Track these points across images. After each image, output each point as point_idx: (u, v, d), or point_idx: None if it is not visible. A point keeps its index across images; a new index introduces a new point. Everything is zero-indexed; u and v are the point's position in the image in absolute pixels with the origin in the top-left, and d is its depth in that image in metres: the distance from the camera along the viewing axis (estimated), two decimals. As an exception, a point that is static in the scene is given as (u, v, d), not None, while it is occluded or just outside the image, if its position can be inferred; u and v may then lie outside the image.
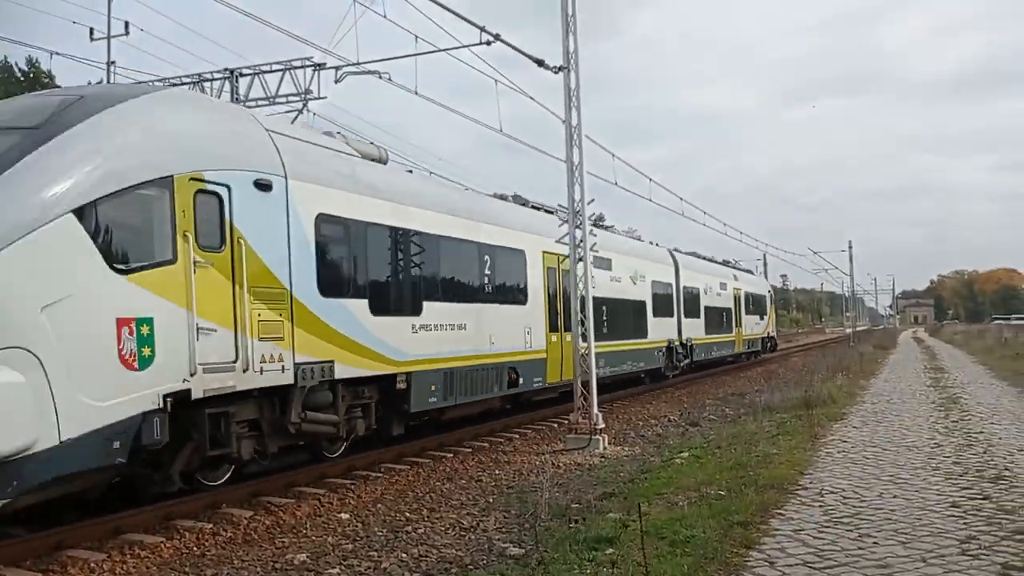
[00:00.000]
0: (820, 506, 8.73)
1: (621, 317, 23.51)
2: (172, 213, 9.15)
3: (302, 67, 23.06)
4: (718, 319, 34.89)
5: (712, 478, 10.50)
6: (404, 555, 8.52)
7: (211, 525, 9.92)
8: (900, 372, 29.12)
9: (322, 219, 11.68)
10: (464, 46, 17.30)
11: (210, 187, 9.68)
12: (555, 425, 18.82)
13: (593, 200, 16.49)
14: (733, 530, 7.65)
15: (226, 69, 24.06)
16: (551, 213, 19.32)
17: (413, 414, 14.39)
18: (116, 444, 8.37)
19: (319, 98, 23.09)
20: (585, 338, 15.84)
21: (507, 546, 8.58)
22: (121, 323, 8.41)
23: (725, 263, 42.54)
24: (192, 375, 9.20)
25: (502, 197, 20.61)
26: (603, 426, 15.64)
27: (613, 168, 26.27)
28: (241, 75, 24.04)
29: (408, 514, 10.52)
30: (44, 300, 7.73)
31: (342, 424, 12.40)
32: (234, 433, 10.28)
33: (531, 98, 19.21)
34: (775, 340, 49.03)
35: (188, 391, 9.20)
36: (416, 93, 18.47)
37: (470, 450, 15.56)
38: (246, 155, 10.44)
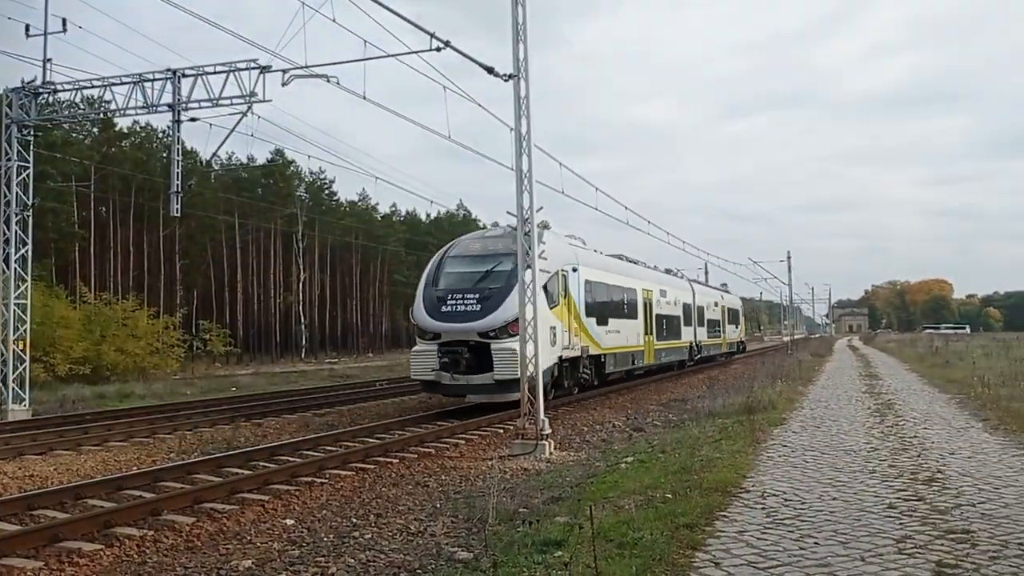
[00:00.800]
0: (763, 508, 8.91)
1: (669, 326, 36.48)
2: (558, 284, 22.83)
3: (247, 69, 22.79)
4: (714, 327, 48.17)
5: (657, 482, 10.64)
6: (351, 560, 8.47)
7: (152, 532, 9.74)
8: (837, 379, 29.80)
9: (587, 282, 25.66)
10: (413, 52, 17.32)
11: (563, 272, 23.43)
12: (500, 431, 18.88)
13: (542, 208, 16.63)
14: (679, 532, 7.76)
15: (168, 69, 23.62)
16: (644, 265, 35.85)
17: (608, 374, 27.82)
18: (552, 373, 21.81)
19: (264, 101, 22.88)
20: (530, 336, 15.90)
21: (456, 550, 8.58)
22: (551, 328, 21.48)
23: (712, 286, 56.22)
24: (564, 349, 22.83)
25: (627, 260, 33.77)
26: (549, 431, 15.70)
27: (560, 175, 26.50)
28: (184, 76, 23.64)
29: (355, 519, 10.46)
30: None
31: (592, 375, 26.09)
32: (568, 372, 23.91)
33: (480, 105, 19.31)
34: (744, 343, 64.19)
35: (562, 356, 22.81)
36: (364, 97, 18.41)
37: (416, 456, 15.52)
38: (570, 259, 24.46)
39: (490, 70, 16.30)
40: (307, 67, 18.14)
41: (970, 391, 21.83)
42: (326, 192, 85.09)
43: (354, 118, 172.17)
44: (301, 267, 74.52)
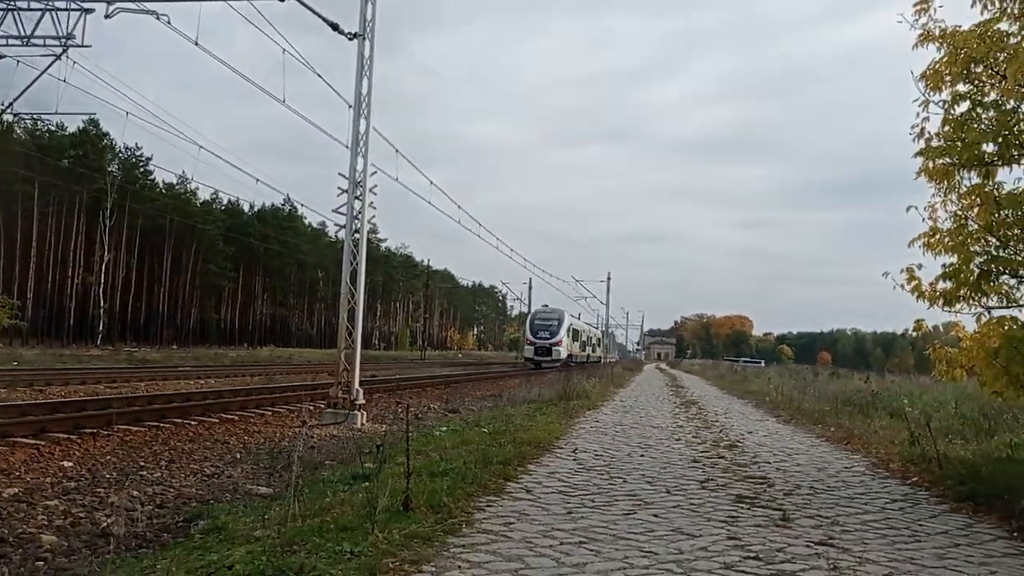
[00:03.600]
0: (574, 460, 8.93)
1: (584, 343, 70.45)
2: (565, 329, 61.25)
3: (67, 10, 21.13)
4: (589, 346, 75.92)
5: (472, 440, 10.46)
6: (136, 492, 7.73)
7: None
8: (647, 386, 30.95)
9: (571, 328, 62.93)
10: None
11: (569, 325, 63.75)
12: (311, 407, 18.12)
13: (376, 172, 16.31)
14: (493, 467, 7.60)
15: (-26, -2, 21.48)
16: (577, 318, 73.00)
17: (574, 362, 60.80)
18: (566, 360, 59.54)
19: (82, 46, 21.23)
20: (353, 299, 15.39)
21: (255, 487, 8.03)
22: (569, 345, 62.80)
23: (588, 323, 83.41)
24: (567, 353, 60.25)
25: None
26: (363, 402, 15.24)
27: (396, 161, 26.02)
28: (-10, 5, 21.57)
29: (142, 463, 9.62)
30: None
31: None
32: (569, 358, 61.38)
33: (318, 75, 18.52)
34: (601, 357, 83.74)
35: (570, 353, 62.01)
36: (196, 43, 17.31)
37: (217, 420, 14.58)
38: (568, 320, 62.42)
39: (335, 27, 15.75)
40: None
41: (765, 398, 23.21)
42: (142, 169, 79.98)
43: (181, 95, 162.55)
44: (106, 247, 69.40)
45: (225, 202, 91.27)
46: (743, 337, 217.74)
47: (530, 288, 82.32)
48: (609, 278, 78.64)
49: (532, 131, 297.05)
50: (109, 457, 10.12)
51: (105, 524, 6.51)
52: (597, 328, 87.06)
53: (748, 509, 6.29)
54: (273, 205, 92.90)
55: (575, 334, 64.42)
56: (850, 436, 12.31)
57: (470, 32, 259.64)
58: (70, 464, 9.46)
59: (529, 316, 64.55)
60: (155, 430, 12.68)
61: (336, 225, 17.67)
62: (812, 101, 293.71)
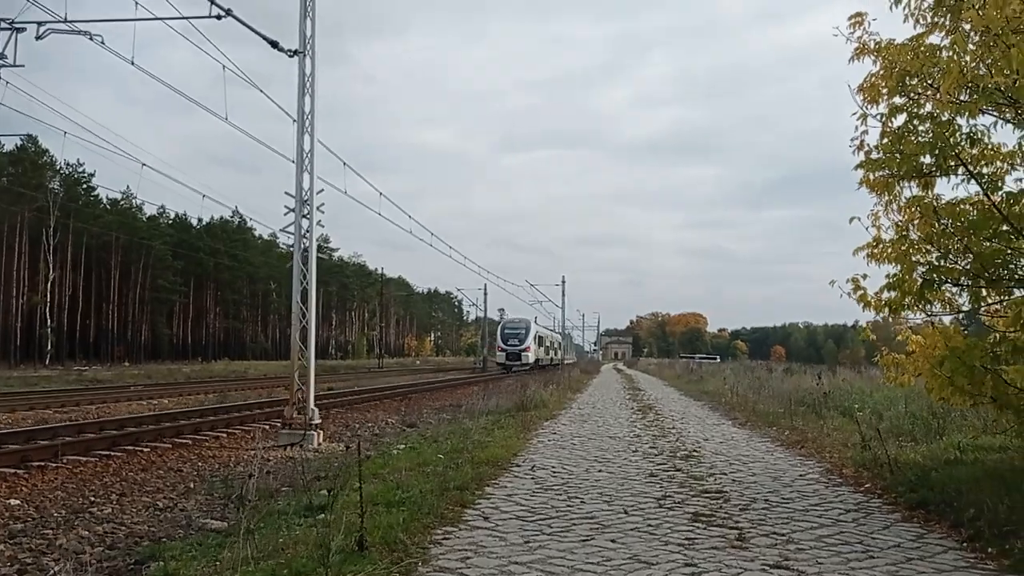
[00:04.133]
0: (532, 478, 8.92)
1: (548, 348, 78.33)
2: (532, 336, 71.00)
3: (-3, 28, 20.53)
4: (552, 350, 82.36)
5: (429, 460, 10.38)
6: (85, 532, 7.54)
7: None
8: (604, 390, 31.09)
9: (537, 335, 71.31)
10: (190, 17, 16.18)
11: (535, 332, 72.47)
12: (267, 427, 17.90)
13: (323, 190, 16.14)
14: (450, 493, 7.56)
15: (-103, 15, 20.83)
16: (540, 325, 79.55)
17: (541, 365, 69.13)
18: (535, 362, 69.17)
19: (14, 65, 20.69)
20: (304, 318, 15.23)
21: (208, 521, 7.88)
22: (537, 350, 72.67)
23: (550, 329, 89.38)
24: (536, 357, 69.29)
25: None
26: (319, 422, 15.07)
27: (344, 174, 25.79)
28: (-83, 24, 20.94)
29: (92, 498, 9.39)
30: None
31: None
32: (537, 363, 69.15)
33: (260, 90, 18.33)
34: (562, 359, 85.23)
35: (537, 359, 70.19)
36: (132, 63, 16.98)
37: (170, 446, 14.31)
38: (533, 328, 71.59)
39: (274, 44, 15.54)
40: (67, 20, 16.37)
41: (721, 399, 23.47)
42: (84, 186, 78.26)
43: (120, 110, 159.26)
44: (51, 265, 67.76)
45: (172, 216, 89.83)
46: (698, 334, 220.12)
47: (485, 294, 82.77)
48: (564, 282, 78.92)
49: (482, 137, 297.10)
50: (58, 492, 9.89)
51: (53, 572, 6.33)
52: (557, 333, 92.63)
53: (705, 529, 6.33)
54: (222, 218, 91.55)
55: (540, 340, 72.68)
56: (804, 440, 12.49)
57: (414, 38, 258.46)
58: (17, 502, 9.20)
59: (500, 325, 73.52)
60: (105, 460, 12.40)
61: (285, 245, 17.51)
62: (757, 101, 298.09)
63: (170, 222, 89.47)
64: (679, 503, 7.43)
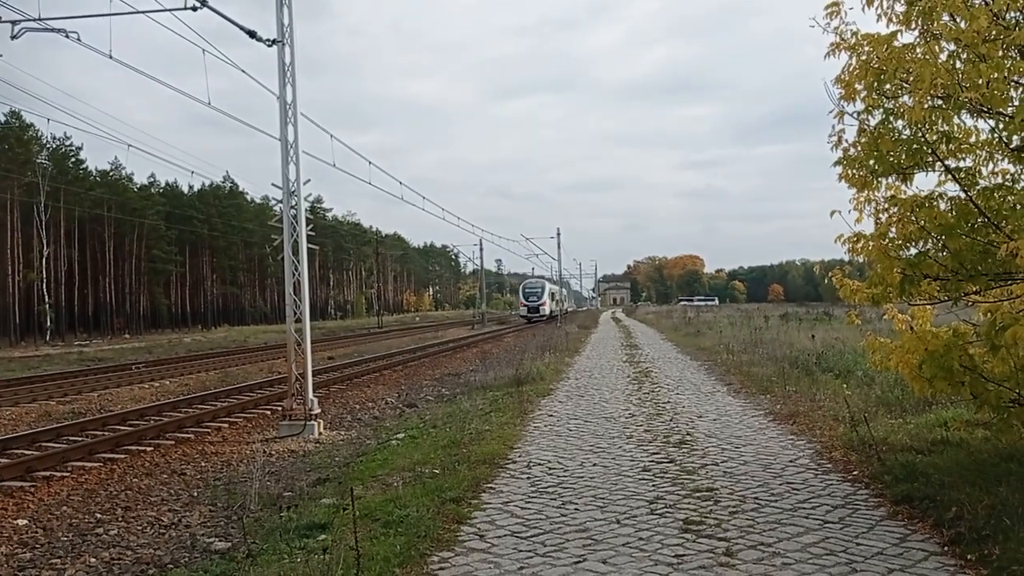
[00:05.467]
0: (528, 478, 9.10)
1: (558, 301, 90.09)
2: (547, 292, 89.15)
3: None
4: (560, 303, 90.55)
5: (427, 457, 10.58)
6: (93, 560, 7.74)
7: None
8: (601, 350, 31.35)
9: (550, 291, 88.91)
10: (166, 10, 15.96)
11: (550, 289, 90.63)
12: (268, 413, 18.13)
13: (309, 180, 16.14)
14: (446, 507, 7.72)
15: None
16: (551, 280, 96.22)
17: (555, 316, 79.79)
18: (554, 313, 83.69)
19: (-6, 56, 20.48)
20: (298, 308, 15.39)
21: (212, 540, 8.08)
22: (552, 304, 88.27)
23: (555, 281, 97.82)
24: (553, 309, 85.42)
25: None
26: (318, 411, 15.28)
27: (331, 148, 25.71)
28: None
29: (99, 515, 9.60)
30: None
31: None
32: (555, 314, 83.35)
33: (243, 71, 18.17)
34: (567, 311, 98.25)
35: (551, 310, 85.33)
36: (111, 57, 16.81)
37: (173, 442, 14.53)
38: (548, 287, 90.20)
39: (252, 34, 15.39)
40: (41, 19, 16.18)
41: (717, 358, 23.76)
42: (72, 160, 77.77)
43: (103, 81, 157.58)
44: (45, 241, 67.62)
45: (163, 184, 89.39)
46: (695, 276, 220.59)
47: (480, 249, 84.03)
48: (559, 233, 79.90)
49: (469, 85, 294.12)
50: (64, 507, 10.08)
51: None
52: (560, 287, 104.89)
53: (694, 542, 6.51)
54: (213, 184, 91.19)
55: (552, 295, 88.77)
56: (796, 413, 12.70)
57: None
58: (24, 522, 9.40)
59: (521, 285, 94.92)
60: (110, 464, 12.61)
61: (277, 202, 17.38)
62: (747, 36, 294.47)
63: (161, 191, 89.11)
64: (671, 506, 7.61)
